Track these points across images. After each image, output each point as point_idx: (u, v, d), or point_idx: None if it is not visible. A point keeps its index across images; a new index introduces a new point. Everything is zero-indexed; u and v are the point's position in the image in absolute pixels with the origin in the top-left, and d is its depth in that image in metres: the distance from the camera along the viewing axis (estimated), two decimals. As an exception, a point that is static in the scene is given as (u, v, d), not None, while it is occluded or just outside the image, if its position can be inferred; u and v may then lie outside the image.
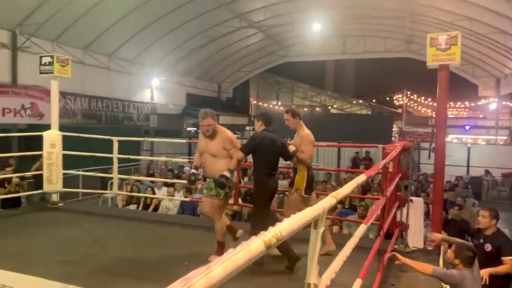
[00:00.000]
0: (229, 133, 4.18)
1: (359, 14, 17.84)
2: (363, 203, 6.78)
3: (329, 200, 1.56)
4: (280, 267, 3.93)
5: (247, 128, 27.13)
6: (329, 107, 34.48)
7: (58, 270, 3.81)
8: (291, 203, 4.43)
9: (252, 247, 0.84)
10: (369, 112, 34.24)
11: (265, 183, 4.13)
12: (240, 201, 6.68)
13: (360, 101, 34.55)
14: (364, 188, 8.43)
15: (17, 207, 7.10)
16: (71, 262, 4.10)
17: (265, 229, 3.51)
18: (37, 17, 11.95)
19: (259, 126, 4.31)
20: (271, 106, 29.88)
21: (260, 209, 4.17)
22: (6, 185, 7.33)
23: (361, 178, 2.19)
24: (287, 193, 4.66)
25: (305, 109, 29.50)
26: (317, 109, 31.96)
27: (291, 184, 4.50)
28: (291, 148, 4.32)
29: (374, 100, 33.37)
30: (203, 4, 15.14)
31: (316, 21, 17.70)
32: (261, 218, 4.04)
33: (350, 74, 36.39)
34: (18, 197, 7.42)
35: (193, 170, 4.33)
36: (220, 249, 4.10)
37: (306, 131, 4.44)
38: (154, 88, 19.08)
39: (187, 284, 0.62)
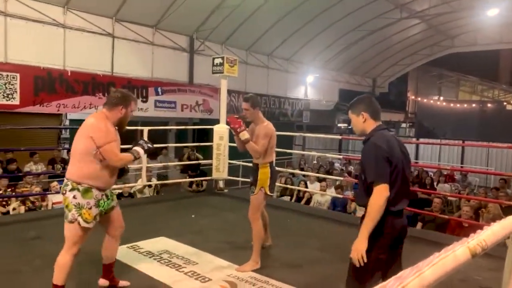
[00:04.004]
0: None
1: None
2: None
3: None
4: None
5: (403, 125, 25.53)
6: (505, 103, 29.75)
7: (225, 250, 4.26)
8: (254, 202, 3.91)
9: (458, 253, 0.80)
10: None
11: None
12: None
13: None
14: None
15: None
16: (236, 244, 4.54)
17: None
18: (210, 23, 13.47)
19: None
20: (431, 101, 27.41)
21: None
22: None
23: None
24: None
25: (474, 105, 26.14)
26: (488, 105, 27.94)
27: (253, 183, 3.94)
28: (243, 135, 3.77)
29: None
30: (360, -2, 14.79)
31: (493, 5, 15.46)
32: None
33: (533, 64, 30.71)
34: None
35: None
36: None
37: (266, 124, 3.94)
38: (308, 85, 19.53)
39: (402, 283, 0.63)
